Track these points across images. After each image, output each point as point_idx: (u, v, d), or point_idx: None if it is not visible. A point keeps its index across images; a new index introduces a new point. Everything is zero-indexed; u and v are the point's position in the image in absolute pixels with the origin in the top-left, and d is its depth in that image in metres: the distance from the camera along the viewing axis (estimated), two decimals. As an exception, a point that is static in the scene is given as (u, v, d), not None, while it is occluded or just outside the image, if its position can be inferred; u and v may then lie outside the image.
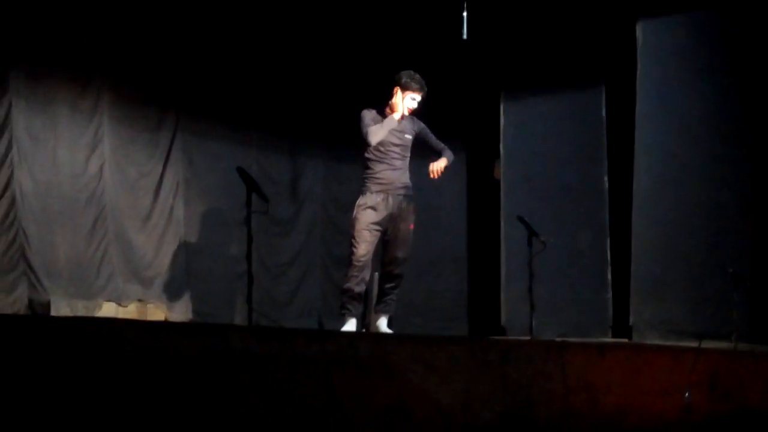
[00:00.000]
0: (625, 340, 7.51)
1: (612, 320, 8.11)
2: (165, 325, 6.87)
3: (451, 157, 6.51)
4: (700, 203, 7.50)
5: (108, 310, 7.43)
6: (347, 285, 6.19)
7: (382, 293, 6.37)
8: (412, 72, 6.35)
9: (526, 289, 6.71)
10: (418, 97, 6.34)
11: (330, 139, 9.11)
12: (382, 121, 6.28)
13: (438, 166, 6.40)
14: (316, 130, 9.06)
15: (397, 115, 6.30)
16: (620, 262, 7.98)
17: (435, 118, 6.64)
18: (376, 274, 6.53)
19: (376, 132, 6.23)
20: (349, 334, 5.92)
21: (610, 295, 8.16)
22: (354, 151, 6.67)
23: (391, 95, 6.35)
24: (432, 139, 6.51)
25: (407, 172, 6.40)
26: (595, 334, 7.93)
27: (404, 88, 6.32)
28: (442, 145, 6.53)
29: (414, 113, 6.41)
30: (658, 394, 5.07)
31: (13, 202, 6.99)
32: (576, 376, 5.00)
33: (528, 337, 6.62)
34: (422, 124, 6.48)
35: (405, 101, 6.32)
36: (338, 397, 4.65)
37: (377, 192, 6.27)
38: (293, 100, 8.82)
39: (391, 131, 6.29)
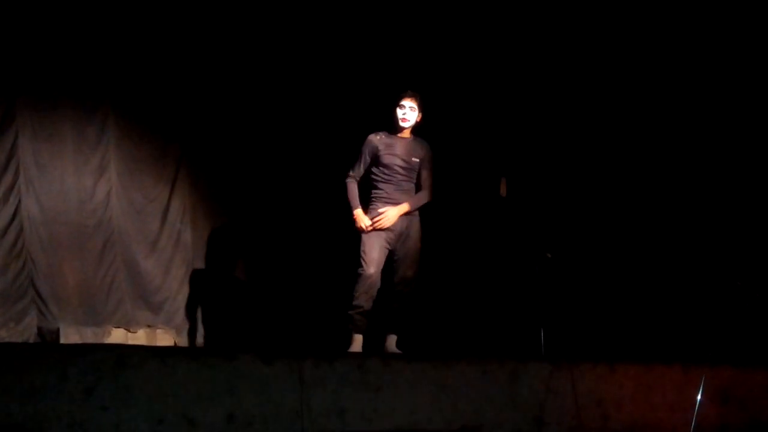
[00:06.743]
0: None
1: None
2: (174, 350, 6.87)
3: (421, 201, 6.36)
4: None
5: (117, 336, 7.42)
6: (356, 302, 6.18)
7: (391, 312, 6.36)
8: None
9: (535, 305, 6.69)
10: (404, 102, 6.33)
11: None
12: (385, 146, 6.31)
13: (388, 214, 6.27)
14: (321, 150, 9.06)
15: (362, 223, 6.23)
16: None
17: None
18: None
19: (349, 185, 6.33)
20: (358, 354, 5.90)
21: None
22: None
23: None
24: (424, 172, 6.39)
25: (414, 191, 6.39)
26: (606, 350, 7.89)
27: (395, 105, 6.38)
28: (427, 183, 6.40)
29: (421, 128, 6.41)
30: (670, 409, 5.06)
31: (21, 231, 7.01)
32: (587, 392, 4.99)
33: (538, 355, 6.59)
34: (429, 153, 6.41)
35: (397, 114, 6.35)
36: (348, 418, 4.65)
37: (385, 211, 6.28)
38: (297, 124, 8.81)
39: (398, 156, 6.30)
